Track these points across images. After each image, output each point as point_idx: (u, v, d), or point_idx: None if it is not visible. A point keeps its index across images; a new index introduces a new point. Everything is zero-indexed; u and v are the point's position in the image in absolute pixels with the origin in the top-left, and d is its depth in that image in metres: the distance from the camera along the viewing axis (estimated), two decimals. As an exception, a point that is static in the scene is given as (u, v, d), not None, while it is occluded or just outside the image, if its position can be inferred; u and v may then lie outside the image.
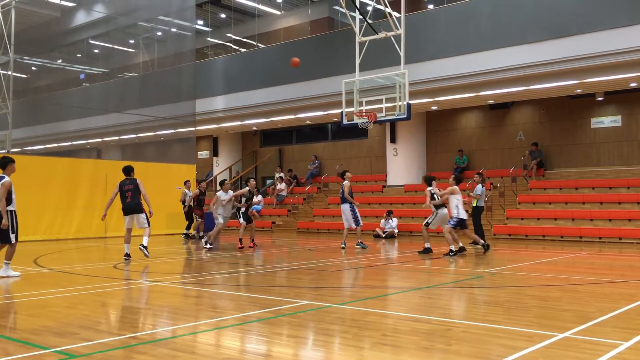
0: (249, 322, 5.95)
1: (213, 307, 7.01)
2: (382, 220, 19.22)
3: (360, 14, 15.45)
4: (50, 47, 26.12)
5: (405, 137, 22.88)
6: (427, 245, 13.16)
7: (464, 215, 12.68)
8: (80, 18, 26.33)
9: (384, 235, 18.67)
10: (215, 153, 29.64)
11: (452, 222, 12.61)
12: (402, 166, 22.98)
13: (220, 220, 14.77)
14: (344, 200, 14.68)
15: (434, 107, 21.67)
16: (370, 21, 15.92)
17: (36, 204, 18.15)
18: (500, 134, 22.09)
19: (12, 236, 9.40)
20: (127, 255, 11.95)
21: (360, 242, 14.83)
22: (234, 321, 6.04)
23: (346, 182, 14.70)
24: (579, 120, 20.38)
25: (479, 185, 15.00)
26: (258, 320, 6.05)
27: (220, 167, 29.08)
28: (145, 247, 11.98)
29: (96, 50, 28.08)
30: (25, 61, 25.48)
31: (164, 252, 14.86)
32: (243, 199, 15.05)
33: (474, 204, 15.05)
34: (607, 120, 19.89)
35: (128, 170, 12.46)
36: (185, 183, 19.54)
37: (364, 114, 14.77)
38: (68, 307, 6.88)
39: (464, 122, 22.93)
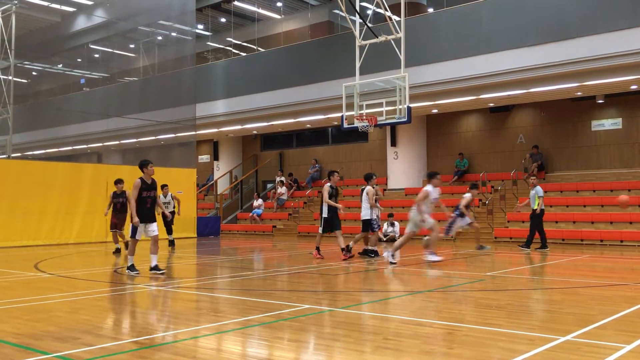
0: (250, 327, 5.94)
1: (214, 311, 7.00)
2: (385, 224, 19.18)
3: (360, 17, 15.48)
4: (50, 52, 26.19)
5: (405, 140, 22.89)
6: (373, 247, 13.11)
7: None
8: (81, 23, 26.38)
9: (384, 239, 18.65)
10: (215, 157, 29.65)
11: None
12: (402, 170, 22.98)
13: (430, 220, 11.78)
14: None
15: (435, 111, 21.68)
16: (370, 25, 15.93)
17: (37, 209, 18.18)
18: (501, 137, 22.10)
19: None
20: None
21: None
22: (235, 325, 6.03)
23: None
24: (579, 123, 20.38)
25: (539, 187, 14.74)
26: (259, 324, 6.03)
27: (221, 171, 29.09)
28: (154, 268, 10.23)
29: (96, 55, 28.13)
30: (26, 66, 25.54)
31: (164, 256, 14.85)
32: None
33: (536, 207, 14.60)
34: (608, 123, 19.89)
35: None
36: (162, 188, 16.56)
37: (364, 117, 14.78)
38: (69, 312, 6.88)
39: (464, 125, 22.93)
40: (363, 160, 25.50)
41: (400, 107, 14.46)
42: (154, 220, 10.22)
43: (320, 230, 12.96)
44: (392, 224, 19.12)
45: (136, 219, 9.98)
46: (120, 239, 14.98)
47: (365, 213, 12.82)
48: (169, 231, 16.90)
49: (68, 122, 25.05)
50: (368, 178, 13.07)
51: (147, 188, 10.17)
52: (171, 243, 17.06)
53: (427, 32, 18.78)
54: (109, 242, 19.10)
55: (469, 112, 22.51)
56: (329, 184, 13.00)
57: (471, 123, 22.81)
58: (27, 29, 24.80)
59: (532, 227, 15.02)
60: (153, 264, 10.17)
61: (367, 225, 12.84)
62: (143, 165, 10.26)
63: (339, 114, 16.32)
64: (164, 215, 15.35)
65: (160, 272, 10.10)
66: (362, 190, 13.06)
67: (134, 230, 10.17)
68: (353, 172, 25.58)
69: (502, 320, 6.13)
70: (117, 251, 14.95)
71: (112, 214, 14.81)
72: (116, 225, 14.82)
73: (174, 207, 16.74)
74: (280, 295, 8.10)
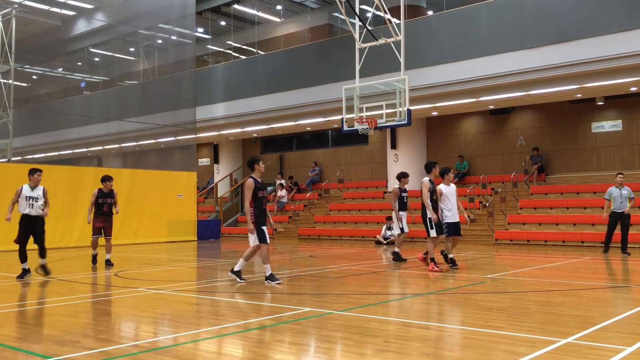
0: (251, 330, 5.94)
1: (214, 315, 7.00)
2: (384, 228, 19.10)
3: (360, 20, 15.48)
4: (50, 55, 26.22)
5: (405, 143, 22.89)
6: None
7: None
8: (81, 26, 26.42)
9: (385, 242, 18.64)
10: (216, 160, 29.67)
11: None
12: (402, 172, 22.96)
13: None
14: None
15: (435, 113, 21.69)
16: (370, 28, 15.94)
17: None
18: (501, 139, 22.10)
19: None
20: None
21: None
22: (236, 328, 6.02)
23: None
24: (579, 125, 20.39)
25: (627, 187, 13.92)
26: (260, 327, 6.03)
27: (221, 174, 29.10)
28: (269, 277, 9.29)
29: (97, 59, 28.17)
30: (26, 70, 25.58)
31: (165, 259, 14.85)
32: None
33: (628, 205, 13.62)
34: (608, 125, 19.90)
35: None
36: (30, 173, 11.00)
37: (364, 120, 14.78)
38: (70, 316, 6.87)
39: (464, 128, 22.94)
40: (363, 163, 25.50)
41: (400, 109, 14.46)
42: (269, 224, 9.44)
43: (433, 233, 10.91)
44: (390, 227, 19.01)
45: (251, 226, 9.10)
46: (98, 246, 12.72)
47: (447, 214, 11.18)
48: (42, 251, 10.90)
49: (68, 125, 25.06)
50: (441, 171, 11.24)
51: (261, 187, 9.27)
52: (43, 269, 10.82)
53: (426, 35, 18.80)
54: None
55: (469, 115, 22.52)
56: (427, 178, 11.03)
57: (471, 125, 22.82)
58: (27, 32, 24.83)
59: (625, 229, 13.76)
60: (237, 268, 9.44)
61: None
62: (255, 162, 9.23)
63: (339, 117, 16.33)
64: (24, 221, 10.64)
65: (277, 281, 9.17)
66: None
67: (263, 234, 9.16)
68: (353, 175, 25.59)
69: (503, 322, 6.12)
70: (96, 260, 12.70)
71: (96, 217, 12.58)
72: (102, 229, 12.61)
73: (41, 207, 11.04)
74: (281, 298, 8.09)
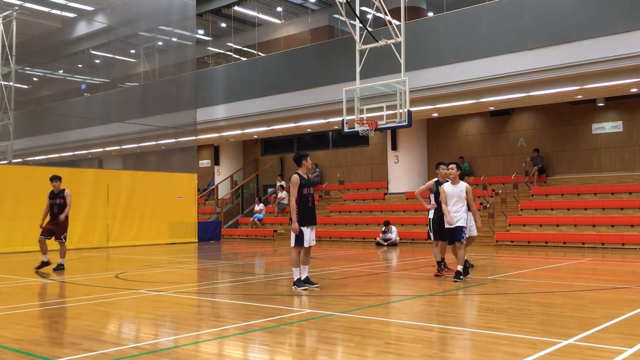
0: (252, 331, 5.94)
1: (215, 317, 6.99)
2: (381, 234, 19.04)
3: (360, 22, 15.49)
4: (51, 57, 26.22)
5: (406, 144, 22.90)
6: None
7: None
8: (81, 29, 26.44)
9: (385, 244, 18.63)
10: (216, 162, 29.68)
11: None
12: (403, 173, 22.98)
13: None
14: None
15: (435, 114, 21.69)
16: (370, 29, 15.95)
17: (38, 214, 18.13)
18: (502, 140, 22.10)
19: None
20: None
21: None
22: (236, 330, 6.02)
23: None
24: (580, 126, 20.39)
25: None
26: (260, 329, 6.03)
27: (222, 175, 29.11)
28: (306, 280, 8.81)
29: (97, 61, 28.17)
30: (27, 72, 25.58)
31: (165, 261, 14.85)
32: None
33: None
34: (608, 126, 19.90)
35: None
36: None
37: (364, 121, 14.77)
38: (70, 318, 6.87)
39: (465, 129, 22.94)
40: (364, 164, 25.50)
41: (401, 111, 14.45)
42: (315, 223, 8.77)
43: (431, 236, 10.56)
44: (386, 231, 18.94)
45: (296, 225, 8.45)
46: (45, 249, 11.90)
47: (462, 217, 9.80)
48: None
49: (69, 127, 25.08)
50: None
51: (307, 184, 8.64)
52: None
53: (427, 36, 18.81)
54: (110, 247, 19.11)
55: (470, 116, 22.52)
56: (435, 179, 10.54)
57: (472, 127, 22.82)
58: (28, 35, 24.83)
59: None
60: (304, 275, 8.72)
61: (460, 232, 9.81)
62: (302, 157, 8.67)
63: (340, 118, 16.32)
64: None
65: (315, 285, 8.74)
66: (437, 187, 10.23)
67: (300, 236, 8.51)
68: (354, 177, 25.59)
69: (504, 324, 6.12)
70: (47, 264, 11.83)
71: (50, 219, 12.12)
72: (52, 231, 11.97)
73: None
74: (282, 300, 8.08)
